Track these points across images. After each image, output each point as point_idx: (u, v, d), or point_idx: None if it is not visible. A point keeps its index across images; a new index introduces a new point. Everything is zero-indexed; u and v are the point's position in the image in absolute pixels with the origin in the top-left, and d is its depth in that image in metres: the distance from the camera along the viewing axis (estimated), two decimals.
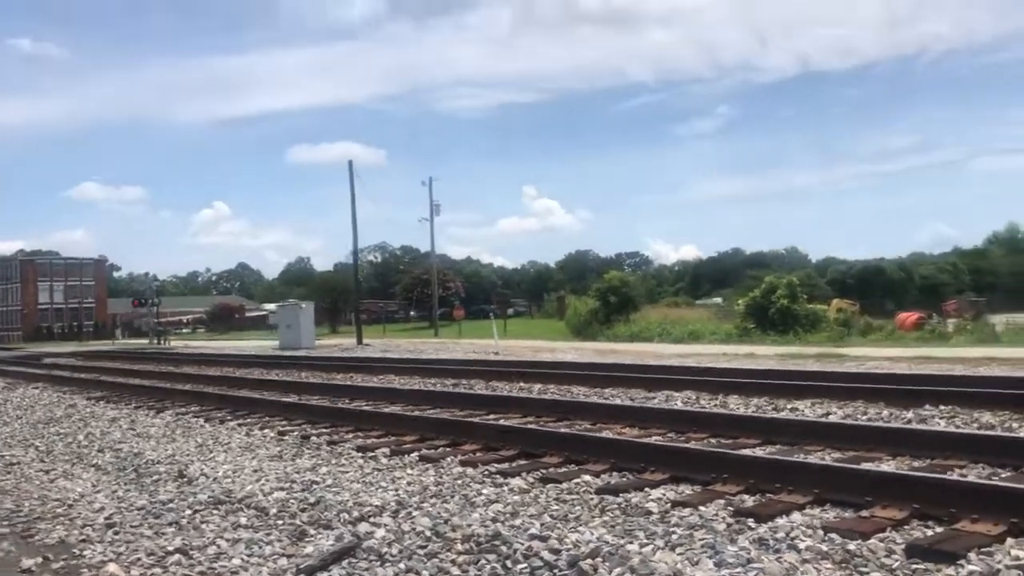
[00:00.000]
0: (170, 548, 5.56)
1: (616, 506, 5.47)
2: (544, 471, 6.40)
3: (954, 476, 5.33)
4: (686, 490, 5.67)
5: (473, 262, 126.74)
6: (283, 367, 21.02)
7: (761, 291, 37.02)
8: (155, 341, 52.57)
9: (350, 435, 8.74)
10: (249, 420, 10.47)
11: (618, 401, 10.53)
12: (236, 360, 25.14)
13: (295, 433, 9.21)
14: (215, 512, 6.43)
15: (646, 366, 15.86)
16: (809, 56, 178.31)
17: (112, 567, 5.25)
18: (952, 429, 7.29)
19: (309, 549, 5.30)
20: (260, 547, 5.46)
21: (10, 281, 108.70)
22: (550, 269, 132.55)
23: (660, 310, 50.88)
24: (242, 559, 5.27)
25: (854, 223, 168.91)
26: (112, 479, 8.10)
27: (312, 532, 5.63)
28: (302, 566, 4.97)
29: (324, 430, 9.21)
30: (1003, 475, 5.52)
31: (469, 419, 8.92)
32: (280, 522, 5.97)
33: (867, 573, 4.00)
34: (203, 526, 6.13)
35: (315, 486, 6.76)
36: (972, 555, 4.02)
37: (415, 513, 5.71)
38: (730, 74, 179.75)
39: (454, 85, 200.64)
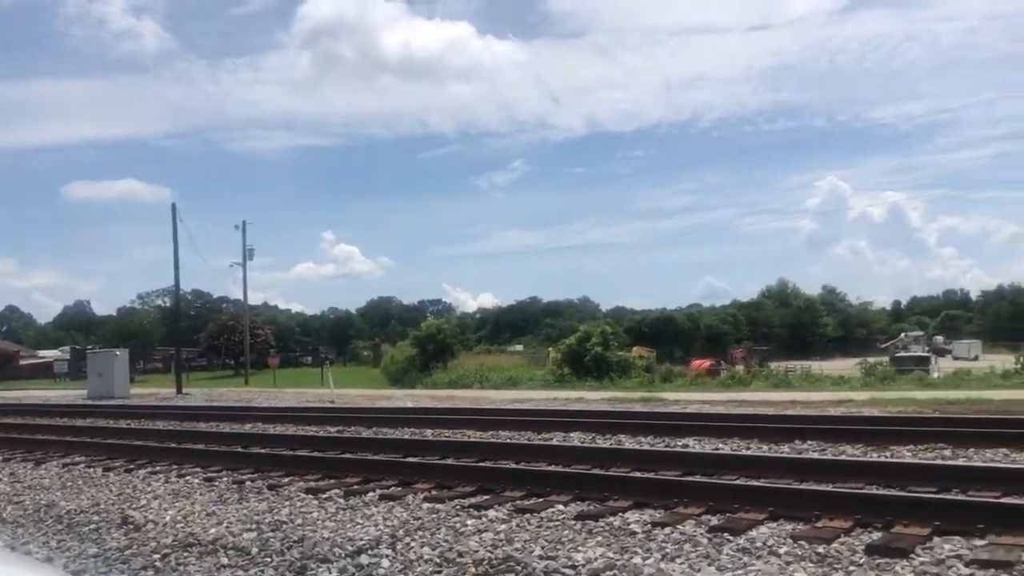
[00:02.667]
0: None
1: (601, 529, 6.20)
2: (512, 503, 7.03)
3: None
4: (656, 514, 6.49)
5: (271, 308, 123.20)
6: (130, 416, 20.09)
7: (576, 339, 39.08)
8: None
9: (285, 479, 8.93)
10: (157, 469, 10.32)
11: (539, 442, 11.34)
12: (59, 409, 23.57)
13: (224, 479, 9.25)
14: (187, 555, 6.63)
15: (515, 410, 16.81)
16: (597, 117, 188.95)
17: None
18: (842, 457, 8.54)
19: None
20: None
21: None
22: (351, 315, 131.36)
23: (476, 357, 52.10)
24: None
25: (639, 275, 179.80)
26: (33, 531, 7.95)
27: (313, 566, 6.02)
28: None
29: (251, 475, 9.32)
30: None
31: (405, 460, 9.36)
32: (269, 560, 6.28)
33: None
34: (183, 568, 6.32)
35: (284, 526, 7.03)
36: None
37: (412, 544, 6.20)
38: (525, 130, 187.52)
39: (249, 126, 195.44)
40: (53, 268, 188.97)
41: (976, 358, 63.65)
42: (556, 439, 11.76)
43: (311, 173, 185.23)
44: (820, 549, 5.27)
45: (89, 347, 44.88)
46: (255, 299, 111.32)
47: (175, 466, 10.43)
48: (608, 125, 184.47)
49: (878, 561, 4.97)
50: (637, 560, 5.33)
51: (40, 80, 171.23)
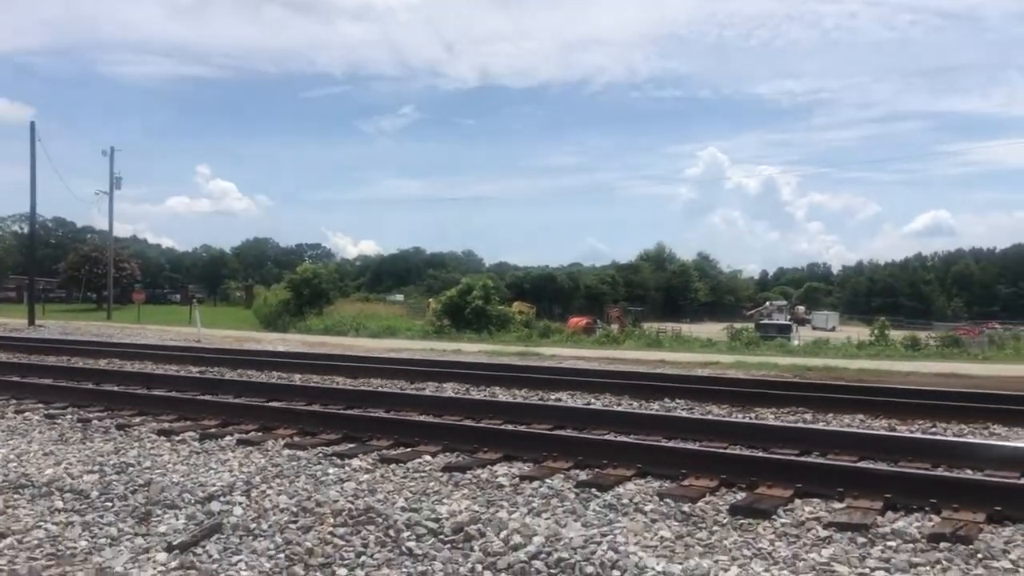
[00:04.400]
0: None
1: (468, 481, 6.02)
2: (378, 453, 6.79)
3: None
4: (525, 467, 6.36)
5: (139, 241, 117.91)
6: None
7: (458, 291, 38.98)
8: None
9: (136, 419, 8.40)
10: None
11: (411, 391, 11.07)
12: None
13: (68, 416, 8.61)
14: (19, 496, 6.13)
15: (389, 359, 16.48)
16: (491, 69, 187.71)
17: None
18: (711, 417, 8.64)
19: (163, 528, 5.37)
20: (102, 528, 5.39)
21: None
22: (225, 255, 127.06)
23: (353, 305, 51.32)
24: (88, 540, 5.22)
25: (523, 232, 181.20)
26: None
27: (158, 512, 5.64)
28: (174, 542, 5.02)
29: (99, 413, 8.72)
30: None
31: (268, 404, 8.94)
32: (110, 504, 5.88)
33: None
34: (12, 511, 5.83)
35: (131, 469, 6.58)
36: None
37: (268, 491, 5.89)
38: (417, 77, 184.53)
39: (126, 49, 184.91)
40: None
41: (834, 329, 67.35)
42: (429, 389, 11.54)
43: (190, 104, 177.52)
44: (685, 508, 5.25)
45: None
46: (123, 231, 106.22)
47: (14, 401, 9.67)
48: (501, 79, 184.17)
49: (741, 521, 4.98)
50: (503, 514, 5.17)
51: None
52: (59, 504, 5.81)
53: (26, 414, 8.92)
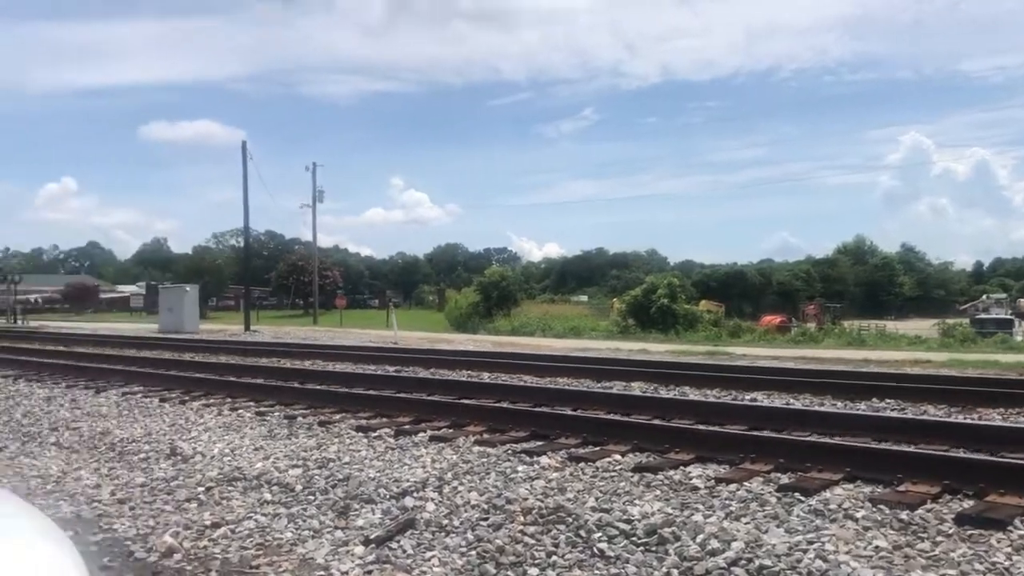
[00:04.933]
0: (206, 523, 5.61)
1: (660, 483, 5.78)
2: (567, 451, 6.67)
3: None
4: (720, 469, 6.05)
5: (340, 251, 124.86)
6: (195, 350, 20.38)
7: (642, 290, 38.43)
8: (14, 320, 49.27)
9: (336, 416, 8.73)
10: (211, 401, 10.25)
11: (598, 390, 10.97)
12: (130, 342, 24.08)
13: (275, 414, 9.10)
14: (232, 489, 6.46)
15: (575, 357, 16.46)
16: (673, 66, 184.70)
17: (167, 538, 5.22)
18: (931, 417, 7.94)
19: (360, 522, 5.45)
20: (305, 521, 5.54)
21: None
22: (418, 261, 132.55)
23: (539, 306, 51.86)
24: (293, 532, 5.37)
25: (709, 229, 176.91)
26: (87, 457, 7.92)
27: (356, 506, 5.76)
28: (371, 536, 5.09)
29: (303, 411, 9.17)
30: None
31: (459, 402, 9.08)
32: (313, 498, 6.06)
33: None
34: (226, 502, 6.14)
35: (331, 464, 6.79)
36: None
37: (459, 488, 5.90)
38: (598, 78, 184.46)
39: (323, 70, 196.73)
40: (133, 206, 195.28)
41: None
42: (616, 388, 11.35)
43: (383, 118, 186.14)
44: (903, 515, 4.78)
45: (162, 283, 45.89)
46: (326, 242, 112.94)
47: (229, 399, 10.35)
48: (683, 74, 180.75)
49: (970, 532, 4.47)
50: (698, 517, 4.91)
51: (120, 21, 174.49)
52: (267, 496, 6.10)
53: (239, 411, 9.52)
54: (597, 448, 6.82)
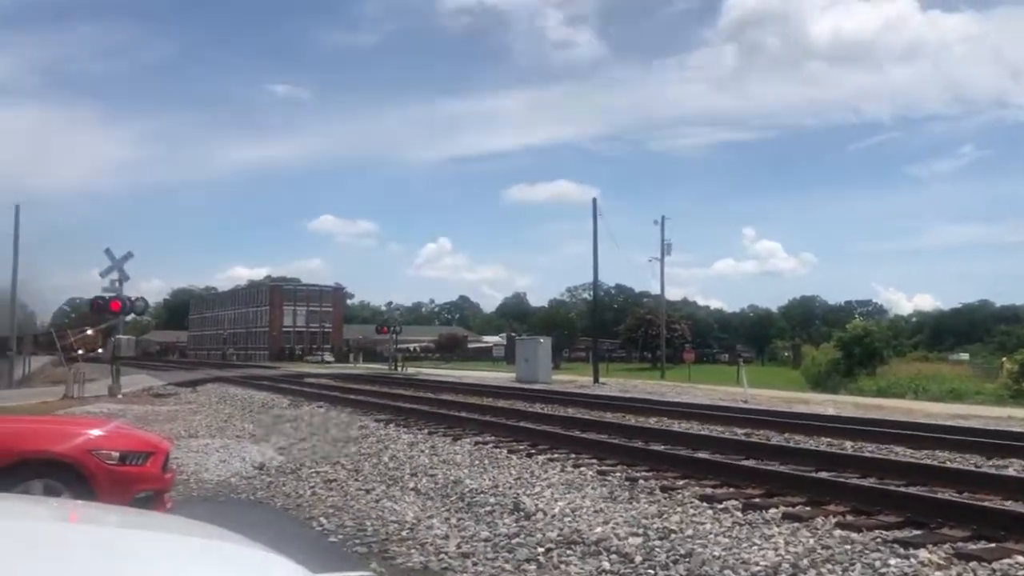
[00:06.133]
0: None
1: None
2: (952, 545, 5.62)
3: None
4: None
5: (689, 304, 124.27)
6: (545, 401, 21.09)
7: None
8: (394, 367, 55.21)
9: (680, 481, 8.30)
10: (555, 456, 10.32)
11: (989, 470, 9.51)
12: (488, 390, 25.62)
13: (617, 474, 8.87)
14: (570, 553, 6.25)
15: (967, 428, 14.44)
16: None
17: None
18: None
19: None
20: None
21: (260, 304, 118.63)
22: (771, 314, 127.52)
23: (910, 365, 47.21)
24: None
25: None
26: (439, 505, 8.18)
27: None
28: None
29: (645, 473, 8.85)
30: None
31: (816, 476, 8.22)
32: (652, 572, 5.64)
33: None
34: (564, 567, 5.93)
35: (672, 535, 6.35)
36: None
37: None
38: (977, 112, 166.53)
39: (674, 124, 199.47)
40: (497, 263, 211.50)
41: None
42: (1013, 468, 9.61)
43: (733, 168, 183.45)
44: None
45: (518, 335, 48.76)
46: (674, 294, 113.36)
47: (573, 455, 10.34)
48: None
49: None
50: None
51: (486, 94, 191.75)
52: (606, 565, 5.82)
53: (582, 468, 9.44)
54: (992, 545, 5.67)
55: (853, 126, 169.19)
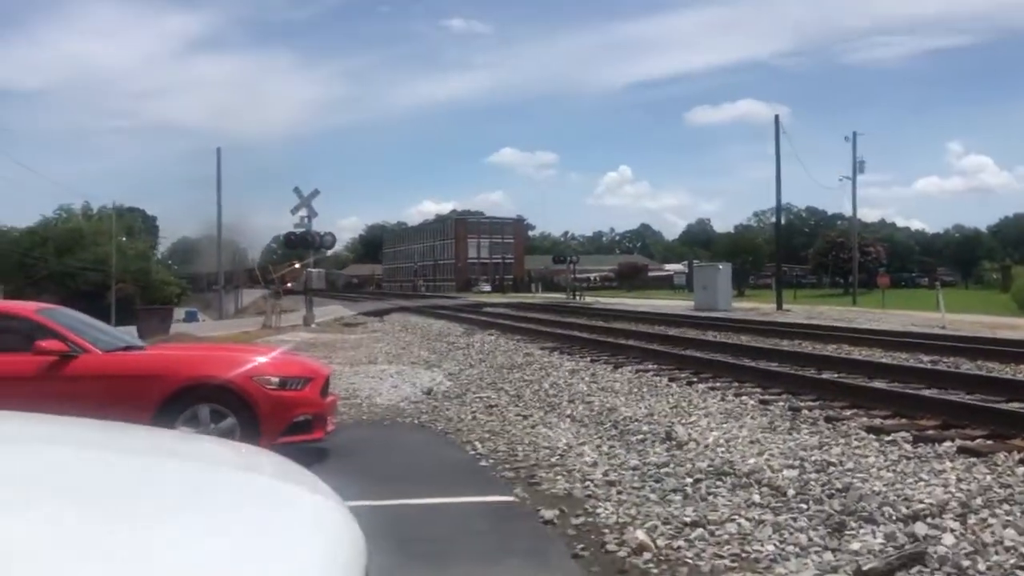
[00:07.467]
0: (686, 520, 5.20)
1: None
2: None
3: None
4: None
5: (887, 225, 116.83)
6: (719, 329, 20.49)
7: None
8: (572, 296, 55.56)
9: (847, 412, 7.77)
10: (717, 384, 9.94)
11: None
12: (662, 319, 25.19)
13: (780, 403, 8.43)
14: (720, 484, 5.99)
15: None
16: None
17: (640, 534, 4.88)
18: None
19: (855, 546, 4.59)
20: (791, 534, 4.80)
21: (446, 238, 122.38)
22: (980, 234, 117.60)
23: None
24: (775, 545, 4.70)
25: None
26: (592, 432, 8.12)
27: (853, 525, 4.87)
28: (864, 567, 4.19)
29: (810, 403, 8.34)
30: None
31: (1004, 407, 7.46)
32: (804, 507, 5.33)
33: None
34: (711, 499, 5.67)
35: (831, 468, 5.94)
36: None
37: (991, 520, 4.69)
38: None
39: (867, 35, 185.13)
40: (680, 189, 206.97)
41: None
42: None
43: (936, 78, 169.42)
44: None
45: (701, 262, 47.62)
46: (870, 216, 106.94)
47: (735, 384, 9.93)
48: None
49: None
50: None
51: (668, 13, 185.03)
52: (755, 498, 5.52)
53: (743, 397, 9.02)
54: None
55: None
